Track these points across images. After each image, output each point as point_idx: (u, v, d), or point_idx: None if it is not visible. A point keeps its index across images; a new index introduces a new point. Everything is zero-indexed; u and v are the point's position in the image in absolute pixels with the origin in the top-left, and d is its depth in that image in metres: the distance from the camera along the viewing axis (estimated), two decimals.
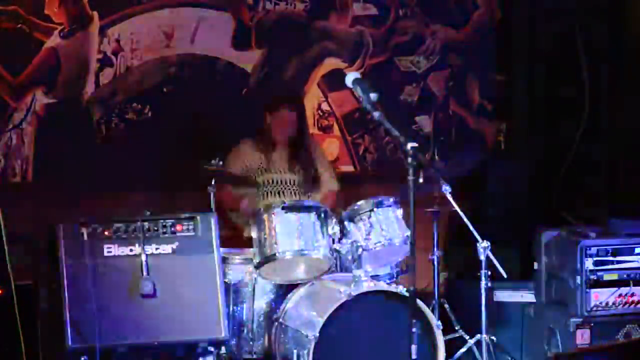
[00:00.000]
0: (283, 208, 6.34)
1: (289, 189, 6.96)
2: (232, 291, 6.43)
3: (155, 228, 6.08)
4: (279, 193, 6.95)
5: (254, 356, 6.43)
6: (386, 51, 7.93)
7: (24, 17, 7.19)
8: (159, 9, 7.48)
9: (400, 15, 7.95)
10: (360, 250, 6.33)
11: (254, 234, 6.41)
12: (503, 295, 7.03)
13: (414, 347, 5.00)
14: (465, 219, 6.36)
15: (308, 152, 7.06)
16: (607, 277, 6.50)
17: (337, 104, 7.88)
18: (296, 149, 7.01)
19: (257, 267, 6.35)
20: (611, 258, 6.51)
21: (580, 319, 6.47)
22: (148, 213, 6.15)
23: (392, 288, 6.18)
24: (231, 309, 6.38)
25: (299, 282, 6.44)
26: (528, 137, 8.12)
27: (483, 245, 6.28)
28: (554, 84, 8.05)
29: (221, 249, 6.21)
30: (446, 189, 6.49)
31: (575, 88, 8.02)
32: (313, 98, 7.79)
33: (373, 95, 5.11)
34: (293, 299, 6.35)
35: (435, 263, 6.88)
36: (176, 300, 5.99)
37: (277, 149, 7.01)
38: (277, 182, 6.97)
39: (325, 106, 7.86)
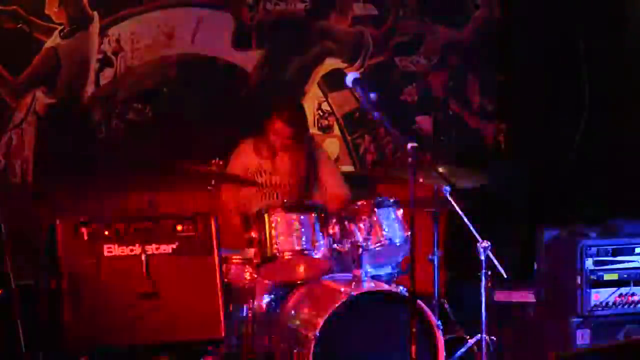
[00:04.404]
0: (283, 208, 6.34)
1: (290, 192, 6.95)
2: (232, 291, 6.43)
3: (156, 228, 6.08)
4: (278, 195, 6.94)
5: (254, 356, 6.43)
6: (386, 51, 7.93)
7: (24, 17, 7.19)
8: (159, 9, 7.48)
9: (400, 15, 7.95)
10: (360, 250, 6.33)
11: (254, 234, 6.41)
12: (503, 295, 7.03)
13: (414, 347, 5.00)
14: (465, 219, 6.36)
15: (309, 158, 7.04)
16: (607, 277, 6.50)
17: (337, 104, 7.88)
18: (296, 155, 6.99)
19: (257, 267, 6.36)
20: (611, 258, 6.51)
21: (580, 319, 6.47)
22: (148, 213, 6.15)
23: (392, 288, 6.18)
24: (231, 309, 6.38)
25: (299, 282, 6.44)
26: (528, 137, 8.12)
27: (483, 245, 6.28)
28: (554, 84, 8.05)
29: (221, 249, 6.21)
30: (446, 189, 6.49)
31: (575, 88, 8.02)
32: (313, 98, 7.80)
33: (373, 95, 5.11)
34: (293, 299, 6.36)
35: (435, 263, 6.88)
36: (176, 300, 5.99)
37: (279, 153, 7.00)
38: (276, 186, 6.96)
39: (325, 106, 7.87)
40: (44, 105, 7.28)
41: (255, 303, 6.47)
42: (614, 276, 6.51)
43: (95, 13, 7.34)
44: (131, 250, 6.02)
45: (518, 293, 7.01)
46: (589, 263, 6.47)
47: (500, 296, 7.02)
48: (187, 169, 6.65)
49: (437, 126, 8.01)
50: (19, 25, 7.19)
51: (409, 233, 6.28)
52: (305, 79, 7.79)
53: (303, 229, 6.30)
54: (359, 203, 6.46)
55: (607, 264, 6.49)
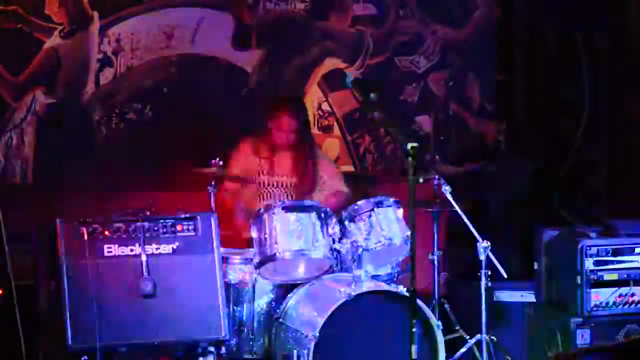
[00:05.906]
0: (283, 208, 6.34)
1: (289, 192, 6.95)
2: (232, 291, 6.43)
3: (155, 228, 6.08)
4: (278, 195, 6.93)
5: (254, 356, 6.43)
6: (386, 51, 7.93)
7: (24, 17, 7.20)
8: (159, 9, 7.49)
9: (400, 15, 7.95)
10: (360, 250, 6.33)
11: (254, 234, 6.41)
12: (503, 295, 7.03)
13: (414, 347, 5.00)
14: (465, 219, 6.36)
15: (310, 156, 7.02)
16: (607, 277, 6.50)
17: (337, 104, 7.88)
18: (299, 153, 6.98)
19: (257, 267, 6.36)
20: (611, 258, 6.50)
21: (580, 319, 6.46)
22: (148, 213, 6.16)
23: (392, 288, 6.18)
24: (231, 309, 6.38)
25: (299, 282, 6.44)
26: (528, 137, 8.12)
27: (483, 245, 6.28)
28: (554, 84, 8.05)
29: (221, 249, 6.21)
30: (446, 189, 6.49)
31: (575, 88, 8.02)
32: (313, 98, 7.79)
33: (373, 96, 5.12)
34: (293, 299, 6.35)
35: (435, 263, 6.88)
36: (176, 300, 6.00)
37: (279, 152, 6.98)
38: (277, 185, 6.96)
39: (325, 106, 7.86)
40: (44, 105, 7.28)
41: (255, 303, 6.47)
42: (614, 276, 6.50)
43: (95, 13, 7.34)
44: (131, 250, 6.03)
45: (518, 293, 7.02)
46: (589, 263, 6.46)
47: (500, 296, 7.02)
48: (187, 169, 6.65)
49: (437, 126, 8.01)
50: (19, 25, 7.19)
51: (409, 233, 6.29)
52: (305, 79, 7.79)
53: (303, 229, 6.30)
54: (359, 203, 6.46)
55: (607, 264, 6.49)
